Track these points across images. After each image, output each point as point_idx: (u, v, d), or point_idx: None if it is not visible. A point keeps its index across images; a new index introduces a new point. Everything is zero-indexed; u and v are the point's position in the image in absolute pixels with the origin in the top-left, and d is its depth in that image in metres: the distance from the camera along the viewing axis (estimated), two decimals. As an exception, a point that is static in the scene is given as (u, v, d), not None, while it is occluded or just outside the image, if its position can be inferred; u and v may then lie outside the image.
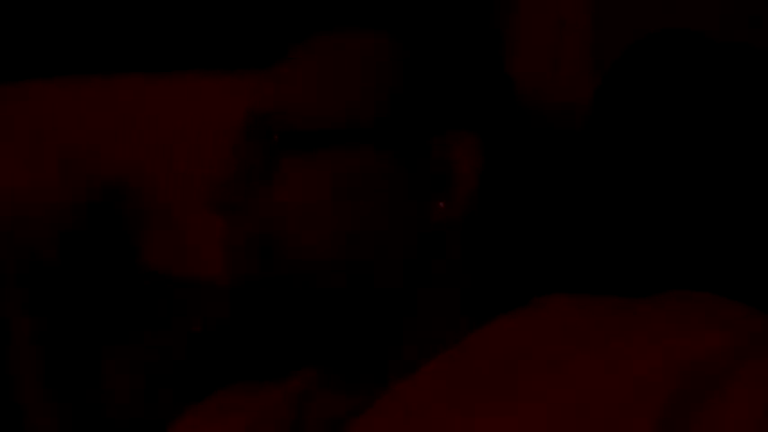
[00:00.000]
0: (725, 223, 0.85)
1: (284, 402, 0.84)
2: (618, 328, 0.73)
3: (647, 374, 0.68)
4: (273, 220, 0.80)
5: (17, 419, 1.01)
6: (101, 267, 1.05)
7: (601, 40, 1.05)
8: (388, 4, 0.89)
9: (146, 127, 1.11)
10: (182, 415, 0.94)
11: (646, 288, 0.78)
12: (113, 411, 1.02)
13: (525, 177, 0.86)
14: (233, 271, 0.83)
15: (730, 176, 0.86)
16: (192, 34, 1.23)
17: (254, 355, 0.95)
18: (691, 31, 0.92)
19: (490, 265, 0.83)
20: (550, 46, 1.08)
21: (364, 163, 0.80)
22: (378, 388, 0.79)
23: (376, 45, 0.83)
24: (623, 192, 0.90)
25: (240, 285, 0.82)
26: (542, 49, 1.08)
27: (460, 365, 0.77)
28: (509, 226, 0.85)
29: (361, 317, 0.80)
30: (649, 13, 1.02)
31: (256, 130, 0.83)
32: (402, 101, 0.81)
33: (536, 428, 0.69)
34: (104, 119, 1.13)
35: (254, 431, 0.85)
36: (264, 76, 0.87)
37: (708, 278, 0.84)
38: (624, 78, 0.92)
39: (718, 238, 0.85)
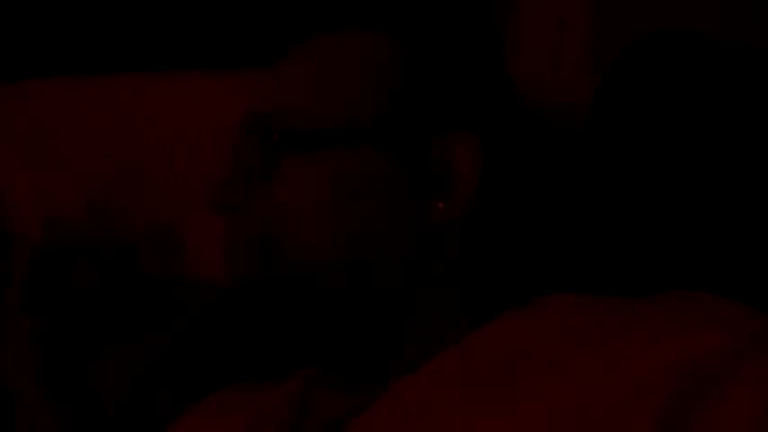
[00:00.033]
0: (725, 223, 0.85)
1: (284, 402, 0.84)
2: (618, 328, 0.73)
3: (647, 374, 0.68)
4: (273, 220, 0.80)
5: (16, 419, 1.01)
6: (101, 265, 1.05)
7: (601, 40, 1.05)
8: (388, 4, 0.89)
9: (146, 127, 1.11)
10: (182, 415, 0.94)
11: (646, 288, 0.78)
12: (113, 411, 1.02)
13: (525, 177, 0.86)
14: (233, 271, 0.83)
15: (730, 176, 0.86)
16: (192, 34, 1.23)
17: (254, 355, 0.95)
18: (691, 31, 0.92)
19: (490, 265, 0.83)
20: (550, 46, 1.08)
21: (364, 163, 0.80)
22: (378, 388, 0.79)
23: (376, 45, 0.83)
24: (623, 192, 0.90)
25: (240, 285, 0.82)
26: (542, 49, 1.08)
27: (460, 365, 0.77)
28: (509, 226, 0.85)
29: (361, 317, 0.80)
30: (649, 13, 1.02)
31: (256, 129, 0.83)
32: (402, 101, 0.81)
33: (536, 428, 0.69)
34: (104, 119, 1.13)
35: (254, 431, 0.85)
36: (264, 75, 0.87)
37: (708, 278, 0.84)
38: (624, 78, 0.92)
39: (719, 238, 0.85)
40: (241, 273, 0.82)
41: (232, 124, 0.87)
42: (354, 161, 0.80)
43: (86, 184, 1.09)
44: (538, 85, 1.03)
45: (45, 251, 1.04)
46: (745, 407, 0.66)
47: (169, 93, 1.13)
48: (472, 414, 0.72)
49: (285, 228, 0.80)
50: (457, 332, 0.79)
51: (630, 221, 0.89)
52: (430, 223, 0.80)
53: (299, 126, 0.81)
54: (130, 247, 1.07)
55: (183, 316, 1.04)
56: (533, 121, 0.93)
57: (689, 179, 0.87)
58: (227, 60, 1.16)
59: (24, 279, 1.03)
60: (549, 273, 0.89)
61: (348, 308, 0.80)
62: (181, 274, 1.07)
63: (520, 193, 0.86)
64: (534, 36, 1.09)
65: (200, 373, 1.01)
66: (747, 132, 0.86)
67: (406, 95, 0.81)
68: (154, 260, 1.08)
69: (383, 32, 0.84)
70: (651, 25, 0.95)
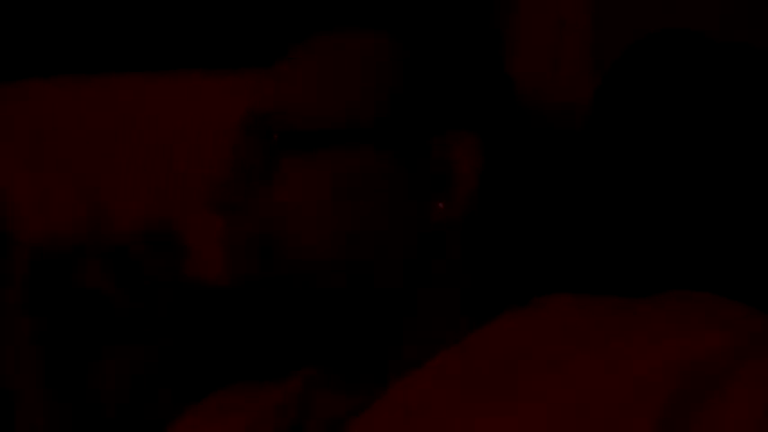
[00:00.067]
0: (725, 223, 0.85)
1: (284, 402, 0.84)
2: (618, 328, 0.73)
3: (647, 374, 0.68)
4: (273, 220, 0.80)
5: (16, 419, 1.01)
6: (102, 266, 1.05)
7: (601, 40, 1.05)
8: (388, 4, 0.89)
9: (146, 127, 1.11)
10: (182, 415, 0.94)
11: (646, 288, 0.78)
12: (113, 411, 1.02)
13: (525, 177, 0.86)
14: (233, 271, 0.83)
15: (730, 176, 0.86)
16: (192, 34, 1.23)
17: (254, 355, 0.95)
18: (691, 31, 0.92)
19: (490, 265, 0.83)
20: (550, 46, 1.08)
21: (364, 163, 0.80)
22: (378, 388, 0.79)
23: (376, 45, 0.83)
24: (623, 192, 0.90)
25: (240, 285, 0.82)
26: (542, 49, 1.08)
27: (460, 365, 0.77)
28: (509, 226, 0.85)
29: (361, 317, 0.80)
30: (649, 13, 1.02)
31: (256, 129, 0.83)
32: (402, 101, 0.81)
33: (536, 428, 0.69)
34: (104, 119, 1.13)
35: (254, 431, 0.85)
36: (264, 75, 0.87)
37: (708, 278, 0.84)
38: (624, 78, 0.92)
39: (719, 238, 0.85)
40: (241, 273, 0.82)
41: (232, 124, 0.87)
42: (354, 161, 0.80)
43: (86, 184, 1.09)
44: (538, 85, 1.03)
45: (45, 251, 1.04)
46: (745, 407, 0.66)
47: (169, 93, 1.13)
48: (472, 414, 0.72)
49: (285, 228, 0.80)
50: (457, 332, 0.79)
51: (630, 221, 0.89)
52: (430, 223, 0.80)
53: (299, 126, 0.81)
54: (130, 247, 1.07)
55: (183, 316, 1.04)
56: (533, 121, 0.93)
57: (689, 179, 0.87)
58: (227, 60, 1.16)
59: (24, 279, 1.03)
60: (549, 273, 0.89)
61: (348, 308, 0.80)
62: (181, 274, 1.07)
63: (520, 193, 0.86)
64: (534, 36, 1.09)
65: (200, 373, 1.01)
66: (747, 132, 0.86)
67: (406, 95, 0.81)
68: (154, 260, 1.08)
69: (383, 32, 0.84)
70: (651, 25, 0.95)
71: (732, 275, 0.84)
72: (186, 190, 1.08)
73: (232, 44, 1.21)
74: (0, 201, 1.09)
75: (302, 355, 0.85)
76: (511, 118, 0.86)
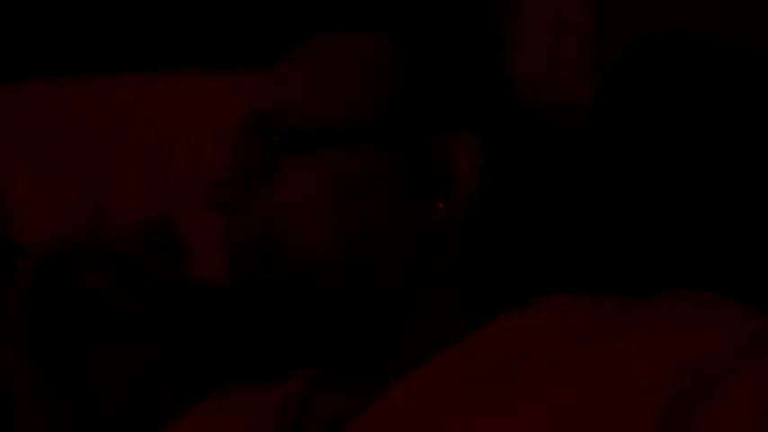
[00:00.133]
0: (725, 223, 0.85)
1: (284, 402, 0.84)
2: (618, 328, 0.73)
3: (647, 374, 0.68)
4: (273, 220, 0.80)
5: (16, 419, 1.01)
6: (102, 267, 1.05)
7: (601, 40, 1.05)
8: (388, 4, 0.89)
9: (146, 127, 1.11)
10: (182, 415, 0.94)
11: (646, 288, 0.78)
12: (113, 411, 1.02)
13: (525, 177, 0.86)
14: (233, 271, 0.83)
15: (730, 176, 0.86)
16: (193, 34, 1.23)
17: (254, 355, 0.95)
18: (691, 31, 0.92)
19: (490, 265, 0.83)
20: (550, 46, 1.08)
21: (364, 163, 0.80)
22: (378, 388, 0.79)
23: (376, 45, 0.83)
24: (623, 192, 0.90)
25: (240, 285, 0.82)
26: (542, 49, 1.08)
27: (460, 365, 0.77)
28: (509, 226, 0.85)
29: (361, 317, 0.80)
30: (649, 13, 1.02)
31: (256, 129, 0.83)
32: (402, 101, 0.81)
33: (536, 428, 0.69)
34: (104, 119, 1.13)
35: (253, 431, 0.85)
36: (264, 75, 0.87)
37: (708, 278, 0.84)
38: (624, 78, 0.92)
39: (719, 238, 0.85)
40: (241, 273, 0.82)
41: (232, 124, 0.87)
42: (354, 161, 0.80)
43: (86, 184, 1.09)
44: (538, 85, 1.03)
45: (45, 251, 1.04)
46: (745, 407, 0.66)
47: (169, 93, 1.13)
48: (472, 414, 0.72)
49: (285, 228, 0.80)
50: (457, 332, 0.79)
51: (630, 221, 0.89)
52: (430, 223, 0.80)
53: (299, 126, 0.81)
54: (130, 247, 1.07)
55: (183, 316, 1.04)
56: (533, 121, 0.93)
57: (689, 179, 0.87)
58: (227, 60, 1.16)
59: (24, 279, 1.03)
60: (549, 273, 0.89)
61: (348, 308, 0.80)
62: (181, 274, 1.07)
63: (520, 193, 0.86)
64: (534, 36, 1.09)
65: (200, 373, 1.01)
66: (747, 132, 0.86)
67: (406, 95, 0.81)
68: (154, 260, 1.08)
69: (383, 32, 0.84)
70: (651, 25, 0.95)
71: (732, 275, 0.84)
72: (186, 190, 1.08)
73: (232, 44, 1.21)
74: (0, 201, 1.09)
75: (302, 355, 0.85)
76: (511, 118, 0.86)
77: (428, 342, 0.79)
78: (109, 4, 1.26)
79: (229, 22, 1.23)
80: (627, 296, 0.77)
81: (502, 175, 0.83)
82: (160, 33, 1.24)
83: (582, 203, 0.92)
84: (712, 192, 0.86)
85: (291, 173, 0.80)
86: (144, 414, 1.01)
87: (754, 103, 0.87)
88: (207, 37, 1.23)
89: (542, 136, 0.94)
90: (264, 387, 0.90)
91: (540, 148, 0.91)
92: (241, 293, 0.82)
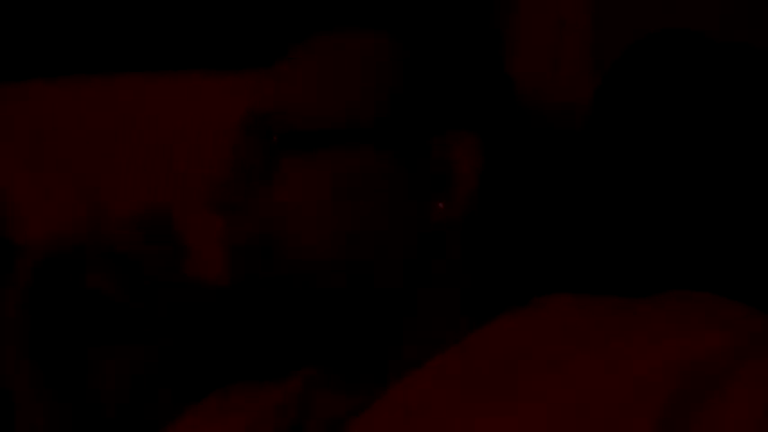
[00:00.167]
0: (725, 223, 0.85)
1: (284, 402, 0.84)
2: (618, 328, 0.73)
3: (647, 374, 0.68)
4: (273, 220, 0.80)
5: (16, 419, 1.01)
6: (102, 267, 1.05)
7: (601, 40, 1.05)
8: (388, 4, 0.89)
9: (146, 127, 1.11)
10: (182, 415, 0.94)
11: (646, 288, 0.78)
12: (113, 411, 1.02)
13: (525, 177, 0.86)
14: (233, 271, 0.83)
15: (730, 176, 0.86)
16: (192, 34, 1.23)
17: (254, 355, 0.95)
18: (691, 31, 0.92)
19: (490, 265, 0.83)
20: (550, 46, 1.08)
21: (364, 163, 0.80)
22: (378, 388, 0.79)
23: (376, 45, 0.83)
24: (623, 192, 0.90)
25: (240, 285, 0.82)
26: (542, 49, 1.08)
27: (460, 365, 0.77)
28: (509, 226, 0.85)
29: (361, 317, 0.80)
30: (649, 13, 1.02)
31: (256, 129, 0.83)
32: (402, 101, 0.81)
33: (536, 428, 0.69)
34: (104, 119, 1.13)
35: (253, 431, 0.85)
36: (264, 75, 0.87)
37: (708, 278, 0.84)
38: (624, 78, 0.92)
39: (719, 238, 0.85)
40: (241, 273, 0.82)
41: (232, 124, 0.87)
42: (354, 161, 0.80)
43: (86, 184, 1.09)
44: (538, 85, 1.03)
45: (45, 251, 1.04)
46: (745, 407, 0.66)
47: (169, 93, 1.13)
48: (472, 414, 0.72)
49: (285, 228, 0.80)
50: (457, 332, 0.79)
51: (630, 221, 0.89)
52: (430, 223, 0.80)
53: (299, 126, 0.81)
54: (130, 244, 1.07)
55: (183, 316, 1.04)
56: (533, 121, 0.93)
57: (689, 179, 0.87)
58: (227, 60, 1.16)
59: (24, 279, 1.03)
60: (549, 273, 0.89)
61: (348, 308, 0.80)
62: (181, 275, 1.07)
63: (520, 193, 0.86)
64: (534, 36, 1.09)
65: (200, 373, 1.01)
66: (747, 132, 0.86)
67: (406, 95, 0.81)
68: (154, 258, 1.08)
69: (383, 32, 0.84)
70: (651, 25, 0.95)
71: (732, 275, 0.84)
72: (186, 190, 1.08)
73: (232, 44, 1.21)
74: (0, 201, 1.09)
75: (302, 355, 0.85)
76: (511, 118, 0.86)
77: (428, 342, 0.79)
78: (109, 4, 1.26)
79: (229, 23, 1.23)
80: (627, 296, 0.77)
81: (502, 175, 0.83)
82: (160, 33, 1.24)
83: (582, 203, 0.92)
84: (712, 192, 0.86)
85: (291, 173, 0.80)
86: (144, 414, 1.01)
87: (754, 103, 0.87)
88: (207, 37, 1.23)
89: (542, 136, 0.94)
90: (264, 387, 0.90)
91: (540, 148, 0.91)
92: (241, 293, 0.82)
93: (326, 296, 0.80)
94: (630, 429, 0.67)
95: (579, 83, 1.04)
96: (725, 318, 0.71)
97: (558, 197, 0.93)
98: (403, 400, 0.77)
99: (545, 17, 1.09)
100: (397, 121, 0.81)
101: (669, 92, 0.90)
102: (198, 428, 0.91)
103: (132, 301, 1.00)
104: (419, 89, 0.82)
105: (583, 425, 0.68)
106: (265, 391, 0.89)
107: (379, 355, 0.81)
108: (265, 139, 0.81)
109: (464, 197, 0.80)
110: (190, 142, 1.09)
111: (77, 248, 0.97)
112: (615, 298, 0.78)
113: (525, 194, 0.86)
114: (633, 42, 0.93)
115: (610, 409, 0.68)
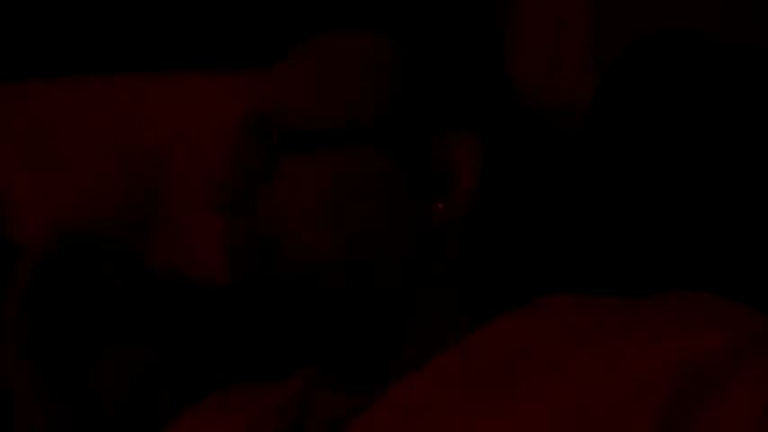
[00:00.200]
0: (725, 223, 0.85)
1: (284, 402, 0.84)
2: (618, 328, 0.73)
3: (647, 374, 0.68)
4: (273, 220, 0.80)
5: (16, 419, 1.01)
6: (102, 266, 1.05)
7: (601, 40, 1.05)
8: (388, 4, 0.89)
9: (146, 127, 1.11)
10: (182, 415, 0.94)
11: (646, 288, 0.78)
12: (113, 411, 1.02)
13: (525, 177, 0.86)
14: (233, 271, 0.83)
15: (730, 176, 0.86)
16: (192, 34, 1.23)
17: (254, 355, 0.95)
18: (691, 31, 0.92)
19: (490, 265, 0.83)
20: (550, 46, 1.08)
21: (364, 163, 0.80)
22: (378, 388, 0.79)
23: (376, 45, 0.83)
24: (623, 192, 0.90)
25: (240, 285, 0.82)
26: (542, 49, 1.08)
27: (460, 365, 0.77)
28: (509, 226, 0.85)
29: (361, 317, 0.80)
30: (649, 13, 1.02)
31: (256, 129, 0.83)
32: (402, 101, 0.81)
33: (536, 428, 0.69)
34: (104, 119, 1.13)
35: (253, 431, 0.85)
36: (264, 75, 0.87)
37: (708, 278, 0.84)
38: (624, 78, 0.92)
39: (719, 238, 0.85)
40: (241, 273, 0.82)
41: (232, 124, 0.87)
42: (354, 161, 0.80)
43: (86, 185, 1.09)
44: (538, 85, 1.03)
45: (45, 251, 1.04)
46: (745, 407, 0.66)
47: (169, 93, 1.13)
48: (472, 414, 0.72)
49: (285, 228, 0.80)
50: (457, 332, 0.79)
51: (630, 221, 0.89)
52: (430, 223, 0.80)
53: (299, 126, 0.81)
54: (130, 246, 1.08)
55: (184, 316, 1.04)
56: (533, 121, 0.93)
57: (689, 179, 0.87)
58: (227, 60, 1.16)
59: (24, 279, 1.03)
60: (549, 273, 0.89)
61: (348, 308, 0.80)
62: (181, 274, 1.07)
63: (520, 193, 0.86)
64: (534, 36, 1.09)
65: (200, 373, 1.01)
66: (747, 132, 0.86)
67: (406, 95, 0.81)
68: (155, 260, 1.08)
69: (383, 32, 0.84)
70: (651, 25, 0.95)
71: (732, 275, 0.84)
72: (186, 190, 1.08)
73: (232, 44, 1.21)
74: (0, 201, 1.09)
75: (302, 355, 0.85)
76: (511, 118, 0.86)
77: (428, 342, 0.79)
78: (109, 4, 1.26)
79: (229, 23, 1.23)
80: (627, 296, 0.77)
81: (502, 175, 0.83)
82: (160, 33, 1.24)
83: (582, 203, 0.92)
84: (712, 192, 0.86)
85: (291, 173, 0.80)
86: (144, 414, 1.01)
87: (754, 103, 0.87)
88: (207, 37, 1.22)
89: (542, 136, 0.94)
90: (264, 387, 0.90)
91: (540, 148, 0.91)
92: (241, 293, 0.82)
93: (326, 296, 0.80)
94: (630, 429, 0.67)
95: (579, 83, 1.04)
96: (725, 318, 0.71)
97: (558, 197, 0.93)
98: (403, 400, 0.77)
99: (545, 17, 1.09)
100: (397, 121, 0.81)
101: (669, 92, 0.90)
102: (198, 428, 0.91)
103: (132, 301, 1.00)
104: (419, 89, 0.82)
105: (583, 425, 0.68)
106: (265, 391, 0.89)
107: (379, 355, 0.81)
108: (265, 139, 0.81)
109: (464, 197, 0.80)
110: (190, 142, 1.09)
111: (77, 248, 0.97)
112: (615, 298, 0.78)
113: (525, 194, 0.86)
114: (633, 42, 0.93)
115: (610, 409, 0.68)
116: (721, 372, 0.67)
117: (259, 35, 1.20)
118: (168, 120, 1.11)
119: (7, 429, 1.00)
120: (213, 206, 0.84)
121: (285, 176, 0.80)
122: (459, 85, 0.83)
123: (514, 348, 0.76)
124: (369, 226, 0.80)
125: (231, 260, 0.83)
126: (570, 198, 0.93)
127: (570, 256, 0.91)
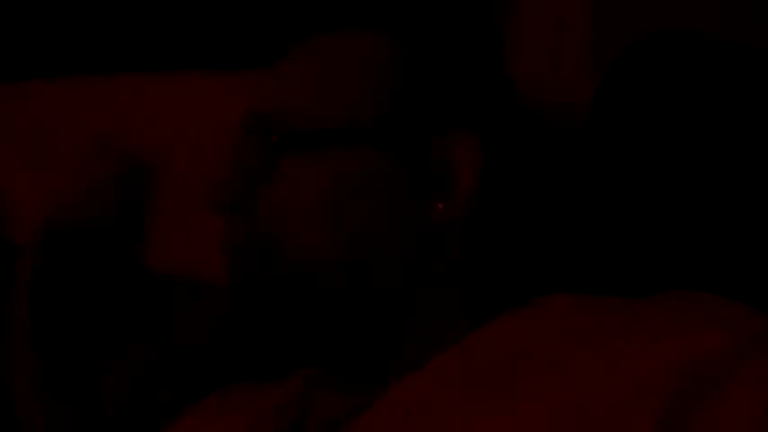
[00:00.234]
0: (725, 223, 0.85)
1: (284, 402, 0.84)
2: (618, 328, 0.73)
3: (647, 374, 0.68)
4: (273, 220, 0.80)
5: (17, 419, 1.01)
6: (102, 266, 1.05)
7: (601, 40, 1.05)
8: (388, 4, 0.89)
9: (146, 127, 1.11)
10: (182, 415, 0.94)
11: (646, 288, 0.78)
12: (113, 411, 1.02)
13: (525, 177, 0.86)
14: (233, 271, 0.83)
15: (730, 176, 0.86)
16: (193, 34, 1.23)
17: (254, 355, 0.95)
18: (691, 31, 0.92)
19: (490, 265, 0.83)
20: (550, 46, 1.08)
21: (364, 163, 0.80)
22: (378, 388, 0.79)
23: (376, 45, 0.83)
24: (623, 191, 0.90)
25: (240, 285, 0.82)
26: (542, 49, 1.08)
27: (460, 365, 0.77)
28: (509, 226, 0.85)
29: (361, 317, 0.80)
30: (649, 13, 1.02)
31: (256, 129, 0.83)
32: (402, 101, 0.81)
33: (536, 428, 0.69)
34: (104, 119, 1.13)
35: (254, 431, 0.85)
36: (264, 75, 0.87)
37: (708, 278, 0.84)
38: (624, 78, 0.92)
39: (719, 238, 0.85)
40: (241, 273, 0.82)
41: (232, 124, 0.87)
42: (354, 161, 0.80)
43: (86, 184, 1.09)
44: (538, 85, 1.02)
45: (45, 251, 1.04)
46: (745, 407, 0.66)
47: (169, 93, 1.13)
48: (472, 414, 0.72)
49: (285, 228, 0.80)
50: (457, 332, 0.79)
51: (630, 221, 0.89)
52: (430, 223, 0.80)
53: (299, 126, 0.81)
54: (131, 246, 1.08)
55: (184, 316, 1.04)
56: (533, 121, 0.93)
57: (689, 179, 0.87)
58: (227, 60, 1.16)
59: (25, 279, 1.03)
60: (549, 273, 0.89)
61: (348, 308, 0.80)
62: (181, 275, 1.07)
63: (520, 193, 0.86)
64: (534, 36, 1.09)
65: (200, 373, 1.01)
66: (747, 132, 0.86)
67: (406, 95, 0.81)
68: (155, 260, 1.08)
69: (383, 32, 0.84)
70: (651, 25, 0.95)
71: (732, 275, 0.84)
72: (186, 190, 1.08)
73: (232, 44, 1.21)
74: (0, 201, 1.09)
75: (302, 355, 0.85)
76: (511, 118, 0.86)
77: (428, 342, 0.79)
78: (109, 4, 1.26)
79: (229, 22, 1.23)
80: (627, 296, 0.77)
81: (502, 175, 0.83)
82: (160, 33, 1.24)
83: (582, 203, 0.92)
84: (712, 192, 0.86)
85: (291, 173, 0.80)
86: (144, 414, 1.01)
87: (754, 103, 0.87)
88: (207, 37, 1.23)
89: (542, 136, 0.94)
90: (264, 387, 0.90)
91: (540, 148, 0.91)
92: (241, 293, 0.82)
93: (326, 296, 0.80)
94: (630, 429, 0.67)
95: (579, 83, 1.04)
96: (725, 318, 0.71)
97: (558, 197, 0.93)
98: (403, 400, 0.77)
99: (545, 17, 1.09)
100: (397, 121, 0.81)
101: (669, 92, 0.90)
102: (198, 428, 0.91)
103: (133, 301, 1.00)
104: (419, 89, 0.82)
105: (583, 425, 0.68)
106: (265, 391, 0.89)
107: (379, 355, 0.81)
108: (265, 139, 0.81)
109: (464, 197, 0.80)
110: (190, 142, 1.09)
111: (77, 247, 0.97)
112: (615, 298, 0.78)
113: (525, 194, 0.86)
114: (633, 42, 0.93)
115: (610, 409, 0.68)
116: (721, 372, 0.67)
117: (259, 35, 1.20)
118: (168, 120, 1.11)
119: (7, 429, 1.00)
120: (213, 206, 0.84)
121: (285, 176, 0.80)
122: (459, 85, 0.83)
123: (514, 348, 0.76)
124: (369, 226, 0.80)
125: (231, 260, 0.83)
126: (570, 198, 0.93)
127: (570, 256, 0.91)
